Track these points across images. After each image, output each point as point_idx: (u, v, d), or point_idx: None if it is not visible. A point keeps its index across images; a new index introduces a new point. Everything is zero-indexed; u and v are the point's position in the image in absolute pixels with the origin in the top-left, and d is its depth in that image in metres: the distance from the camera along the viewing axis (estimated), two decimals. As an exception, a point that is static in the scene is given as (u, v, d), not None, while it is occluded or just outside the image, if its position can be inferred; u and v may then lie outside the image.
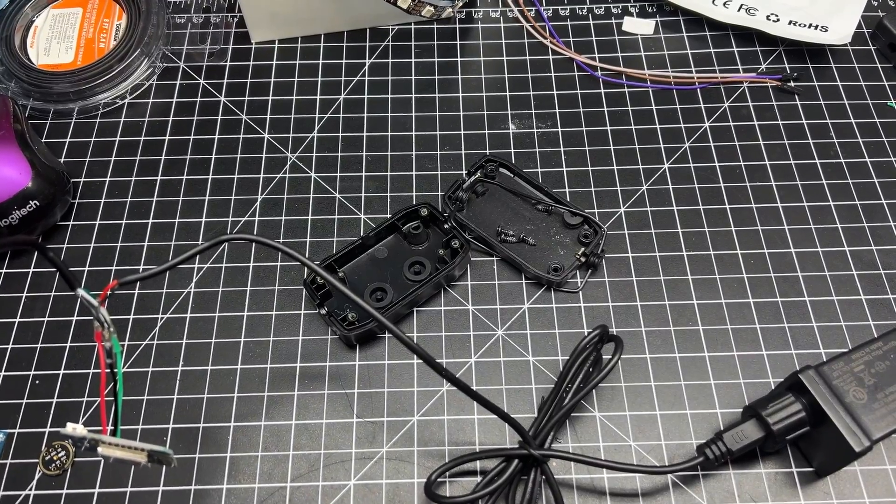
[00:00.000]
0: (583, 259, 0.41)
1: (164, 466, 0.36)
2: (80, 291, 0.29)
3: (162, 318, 0.41)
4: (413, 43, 0.51)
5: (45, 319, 0.41)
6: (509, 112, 0.48)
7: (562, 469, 0.37)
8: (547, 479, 0.35)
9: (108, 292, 0.30)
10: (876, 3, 0.52)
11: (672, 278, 0.42)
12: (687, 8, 0.51)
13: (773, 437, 0.35)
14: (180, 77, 0.50)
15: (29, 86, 0.47)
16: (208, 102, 0.48)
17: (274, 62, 0.50)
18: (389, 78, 0.49)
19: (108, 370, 0.30)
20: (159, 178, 0.45)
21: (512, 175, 0.45)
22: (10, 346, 0.40)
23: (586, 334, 0.37)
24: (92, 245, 0.43)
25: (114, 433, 0.30)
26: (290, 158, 0.46)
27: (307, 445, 0.37)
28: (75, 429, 0.29)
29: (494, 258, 0.43)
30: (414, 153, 0.46)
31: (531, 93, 0.49)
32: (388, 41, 0.51)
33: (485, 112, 0.48)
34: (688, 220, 0.44)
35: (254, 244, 0.43)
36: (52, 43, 0.49)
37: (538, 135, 0.47)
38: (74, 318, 0.41)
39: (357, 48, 0.51)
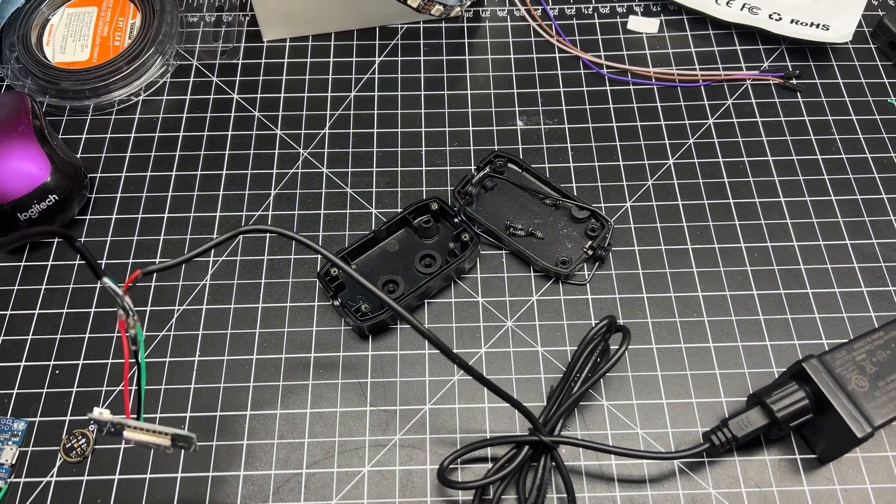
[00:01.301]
0: (590, 252, 0.42)
1: (185, 451, 0.37)
2: (106, 280, 0.30)
3: (178, 310, 0.42)
4: (422, 41, 0.52)
5: (65, 311, 0.42)
6: (517, 109, 0.49)
7: (571, 456, 0.37)
8: (557, 465, 0.36)
9: (132, 282, 0.31)
10: (876, 3, 0.53)
11: (677, 271, 0.43)
12: (690, 7, 0.52)
13: (777, 424, 0.35)
14: (193, 75, 0.50)
15: (45, 83, 0.48)
16: (221, 100, 0.49)
17: (285, 60, 0.51)
18: (399, 75, 0.50)
19: (132, 358, 0.31)
20: (174, 173, 0.46)
21: (520, 170, 0.45)
22: (30, 336, 0.41)
23: (595, 324, 0.37)
24: (109, 239, 0.44)
25: (137, 418, 0.31)
26: (303, 154, 0.47)
27: (322, 433, 0.38)
28: (102, 413, 0.30)
29: (503, 251, 0.43)
30: (424, 149, 0.47)
31: (538, 90, 0.49)
32: (398, 39, 0.52)
33: (493, 109, 0.49)
34: (692, 214, 0.44)
35: (268, 237, 0.44)
36: (68, 41, 0.50)
37: (545, 131, 0.48)
38: (93, 310, 0.42)
39: (367, 46, 0.52)
